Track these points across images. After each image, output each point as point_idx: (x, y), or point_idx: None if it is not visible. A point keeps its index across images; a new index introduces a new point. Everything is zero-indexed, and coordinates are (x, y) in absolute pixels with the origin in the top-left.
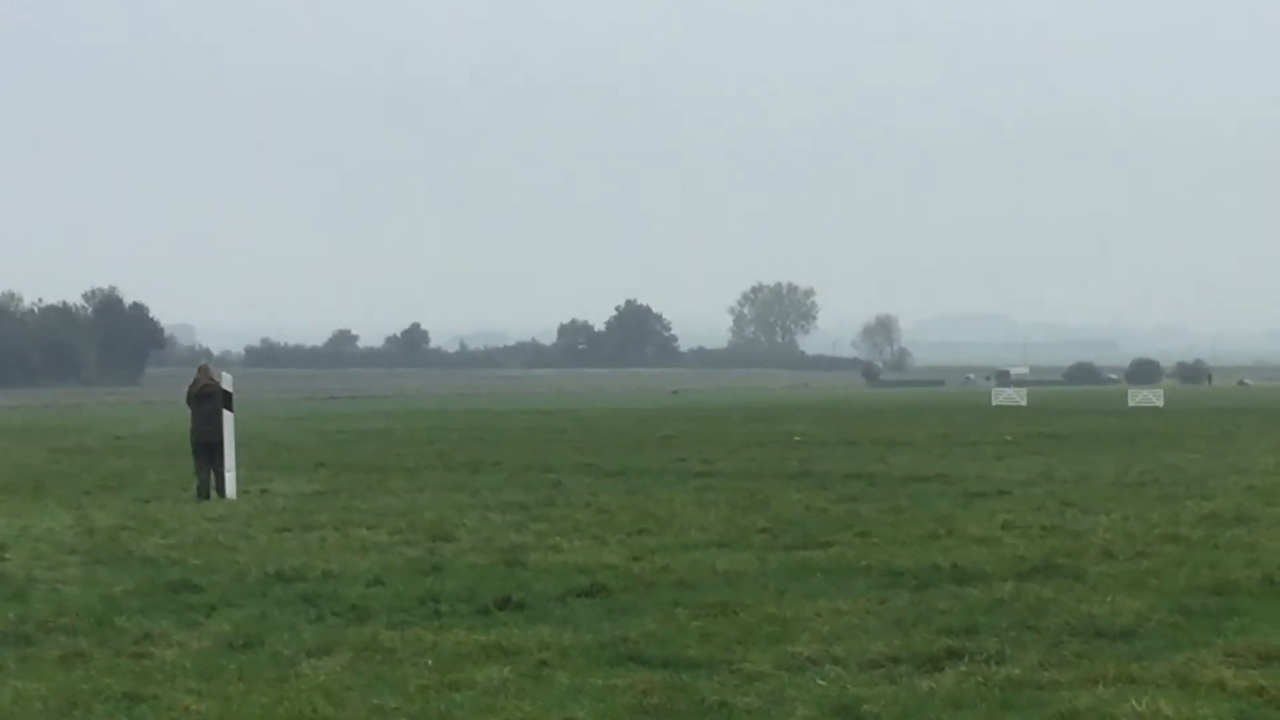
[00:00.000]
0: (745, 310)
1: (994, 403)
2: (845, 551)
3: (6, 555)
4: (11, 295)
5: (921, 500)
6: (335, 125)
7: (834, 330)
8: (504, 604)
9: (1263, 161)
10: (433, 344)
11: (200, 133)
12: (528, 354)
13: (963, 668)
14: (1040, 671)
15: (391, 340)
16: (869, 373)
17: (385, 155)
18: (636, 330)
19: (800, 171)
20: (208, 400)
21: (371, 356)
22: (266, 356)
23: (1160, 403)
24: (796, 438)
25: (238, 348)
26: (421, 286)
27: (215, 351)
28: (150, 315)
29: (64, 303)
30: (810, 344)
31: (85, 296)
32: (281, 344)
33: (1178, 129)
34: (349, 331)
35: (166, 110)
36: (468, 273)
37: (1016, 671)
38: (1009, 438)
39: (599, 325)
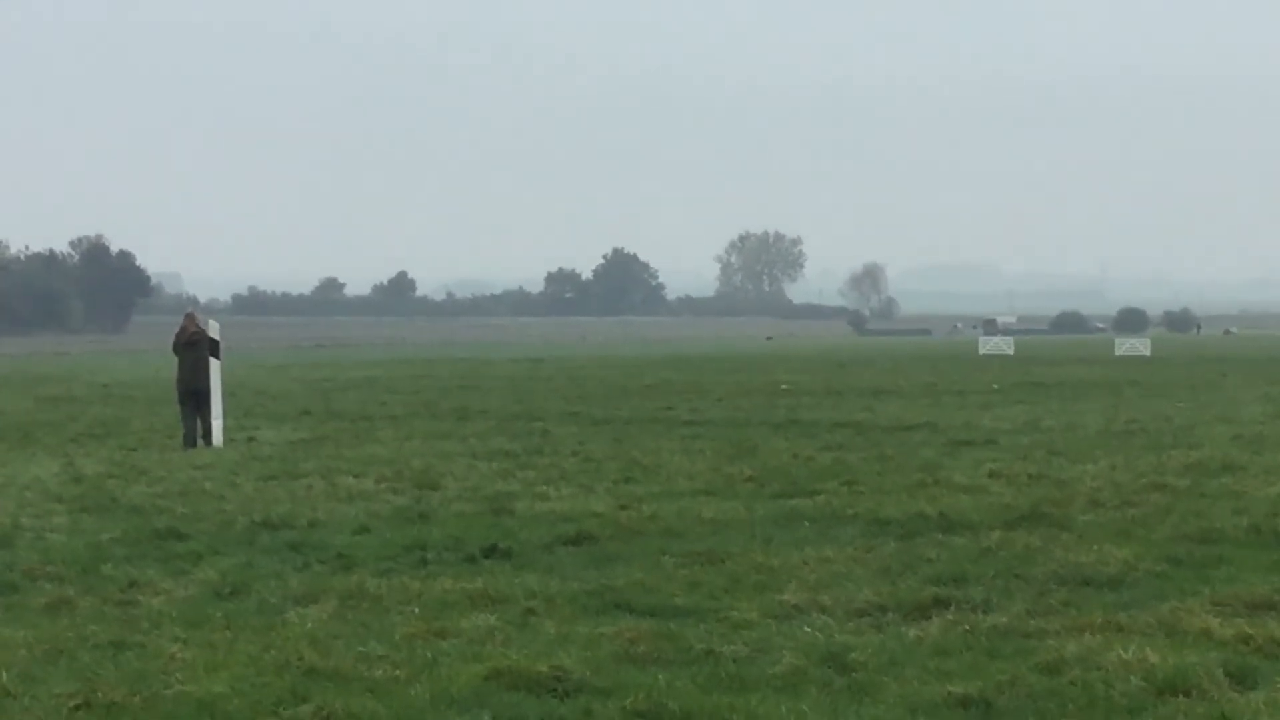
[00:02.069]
0: (732, 259)
1: (981, 351)
2: (832, 500)
3: None
4: None
5: (908, 449)
6: (322, 74)
7: (821, 279)
8: (490, 552)
9: (1250, 112)
10: (420, 292)
11: (188, 81)
12: (515, 302)
13: (949, 616)
14: (1027, 620)
15: (378, 289)
16: (856, 321)
17: (372, 104)
18: (624, 279)
19: (788, 121)
20: (195, 348)
21: (358, 305)
22: (253, 305)
23: (1147, 352)
24: (784, 386)
25: (225, 296)
26: (409, 235)
27: (202, 300)
28: (137, 263)
29: (51, 250)
30: (797, 293)
31: (72, 244)
32: (268, 292)
33: (1163, 80)
34: (336, 280)
35: (154, 58)
36: (455, 221)
37: (1003, 620)
38: (996, 386)
39: (586, 274)
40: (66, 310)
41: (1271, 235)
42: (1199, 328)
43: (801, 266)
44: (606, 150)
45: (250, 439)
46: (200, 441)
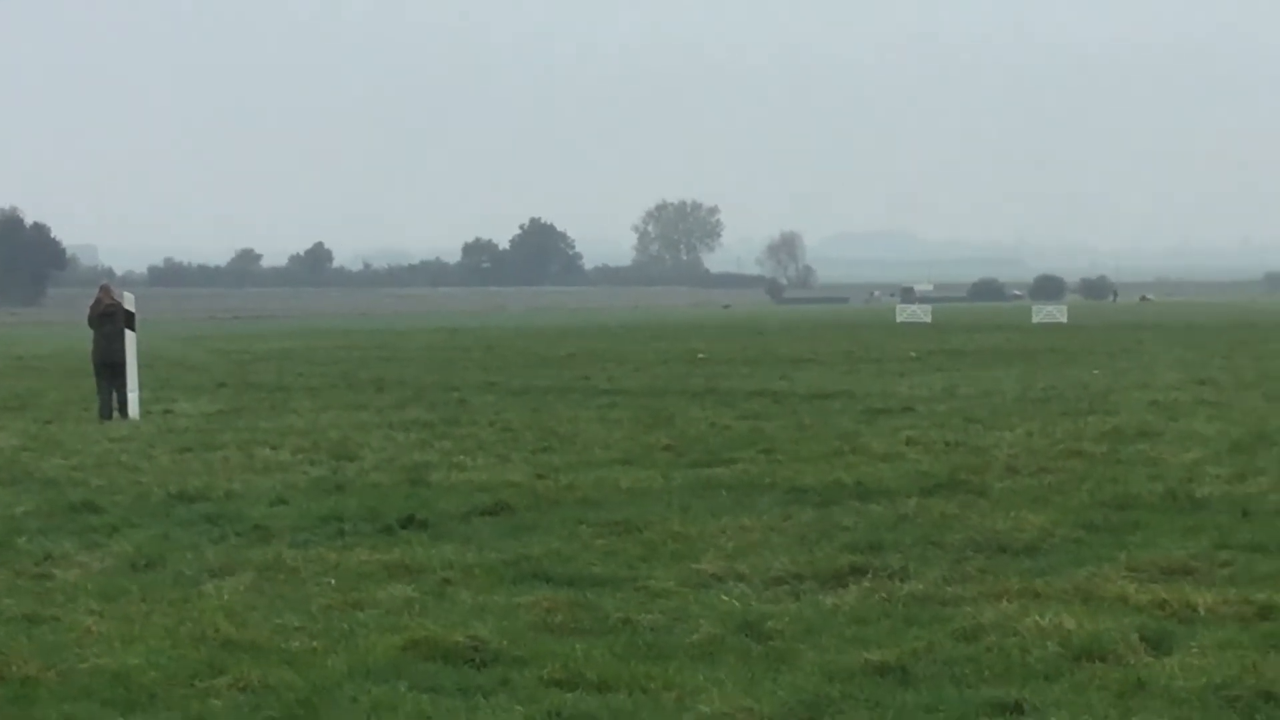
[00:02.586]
0: (650, 228)
1: (899, 319)
2: (749, 469)
3: None
4: None
5: (826, 417)
6: (236, 43)
7: (739, 248)
8: (407, 522)
9: (1169, 81)
10: (336, 263)
11: (101, 53)
12: (432, 273)
13: (866, 584)
14: (944, 587)
15: (295, 260)
16: (774, 290)
17: (287, 73)
18: (541, 249)
19: (705, 90)
20: (110, 320)
21: (275, 276)
22: (169, 276)
23: (1064, 319)
24: (701, 355)
25: (140, 268)
26: (325, 205)
27: (118, 272)
28: (52, 235)
29: None
30: (715, 262)
31: None
32: (184, 264)
33: (1081, 47)
34: (252, 251)
35: (66, 28)
36: (372, 192)
37: (920, 587)
38: (913, 354)
39: (504, 244)
40: None
41: (1188, 204)
42: (1115, 295)
43: (719, 235)
44: (523, 120)
45: (166, 411)
46: (116, 414)
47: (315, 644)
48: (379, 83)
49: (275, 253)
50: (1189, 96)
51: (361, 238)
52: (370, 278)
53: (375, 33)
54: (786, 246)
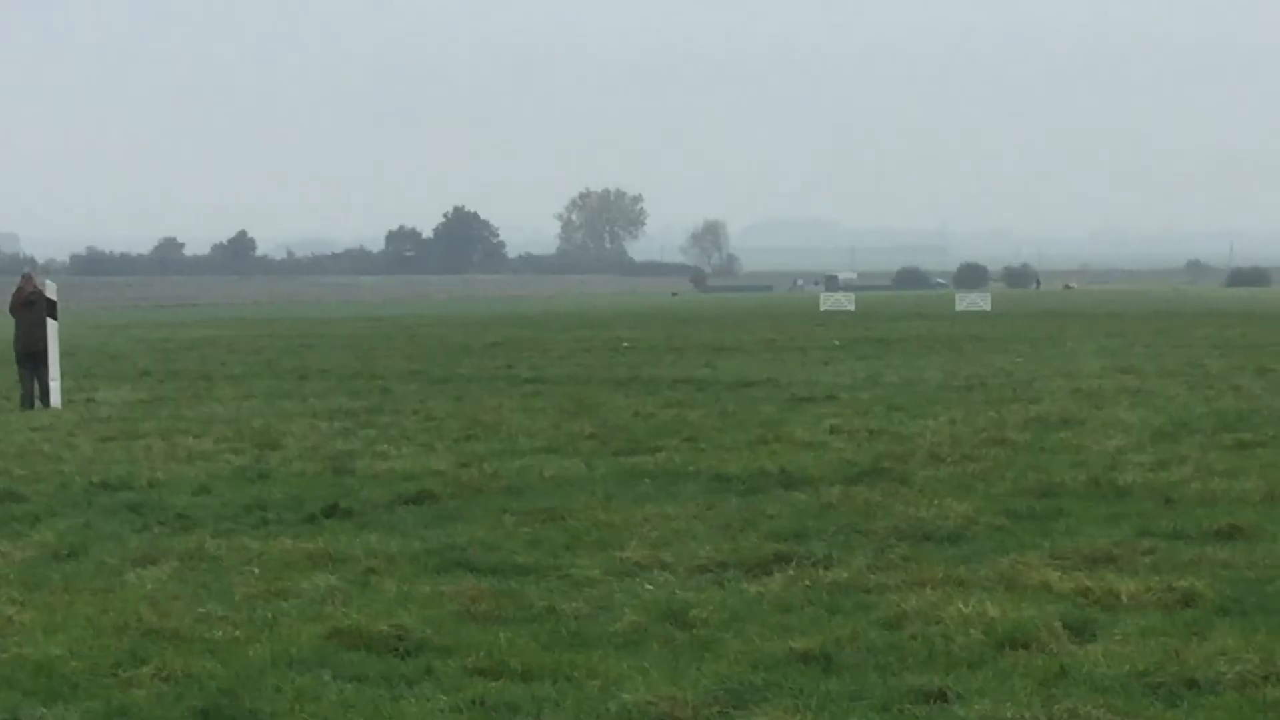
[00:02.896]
0: (574, 216)
1: (822, 307)
2: (673, 457)
3: None
4: None
5: (749, 405)
6: (158, 28)
7: (663, 236)
8: (331, 511)
9: (1088, 66)
10: (260, 251)
11: (20, 39)
12: (355, 261)
13: (791, 572)
14: (868, 575)
15: (218, 248)
16: (697, 278)
17: (210, 61)
18: (465, 237)
19: (629, 78)
20: (32, 309)
21: (198, 264)
22: (92, 265)
23: (987, 306)
24: (625, 344)
25: (63, 256)
26: (249, 194)
27: (40, 260)
28: None
29: None
30: (639, 250)
31: None
32: (107, 253)
33: (998, 34)
34: (175, 239)
35: None
36: (295, 179)
37: (844, 575)
38: (837, 342)
39: (427, 232)
40: None
41: (1110, 190)
42: (1038, 282)
43: (643, 224)
44: (448, 107)
45: (89, 400)
46: (38, 403)
47: (238, 633)
48: (301, 71)
49: (198, 241)
50: (1109, 83)
51: (285, 226)
52: (293, 266)
53: (297, 21)
54: (710, 235)
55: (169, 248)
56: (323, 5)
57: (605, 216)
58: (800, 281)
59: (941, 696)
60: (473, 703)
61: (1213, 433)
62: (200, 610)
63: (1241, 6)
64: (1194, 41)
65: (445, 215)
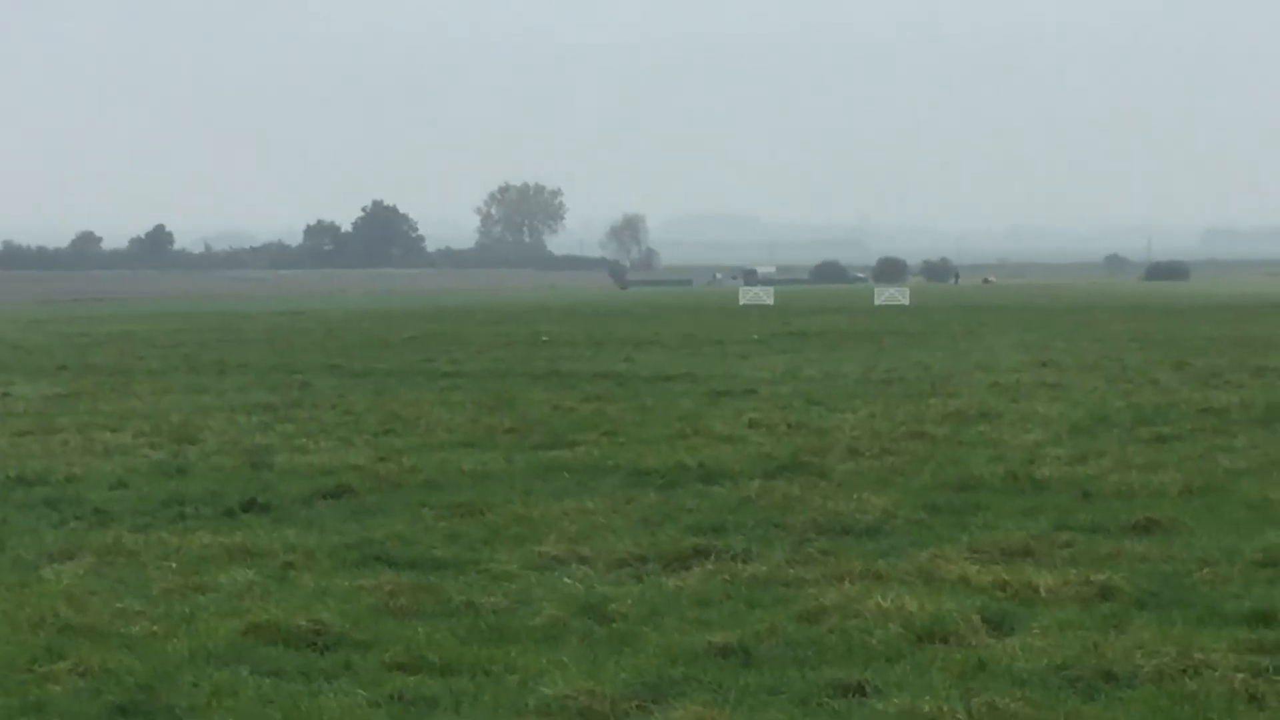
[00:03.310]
0: (492, 210)
1: (741, 302)
2: (592, 451)
3: None
4: None
5: (668, 399)
6: (74, 22)
7: (581, 230)
8: (249, 506)
9: (1005, 62)
10: (178, 245)
11: None
12: (273, 255)
13: (710, 566)
14: (786, 569)
15: (136, 242)
16: (616, 273)
17: (126, 54)
18: (383, 231)
19: (547, 72)
20: None
21: (115, 258)
22: (7, 259)
23: (906, 301)
24: (544, 337)
25: None
26: (166, 187)
27: None
28: None
29: None
30: (558, 244)
31: None
32: (22, 246)
33: (916, 31)
34: (92, 233)
35: None
36: (213, 173)
37: (763, 569)
38: (756, 336)
39: (346, 226)
40: None
41: (1028, 184)
42: (957, 277)
43: (562, 218)
44: (366, 100)
45: (4, 394)
46: None
47: (156, 628)
48: (220, 64)
49: (115, 235)
50: (1027, 79)
51: (203, 220)
52: (211, 260)
53: (216, 14)
54: (629, 229)
55: (86, 241)
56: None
57: (524, 210)
58: (719, 276)
59: (860, 690)
60: (391, 697)
61: (1131, 427)
62: (118, 605)
63: (1158, 4)
64: (1110, 38)
65: (364, 209)
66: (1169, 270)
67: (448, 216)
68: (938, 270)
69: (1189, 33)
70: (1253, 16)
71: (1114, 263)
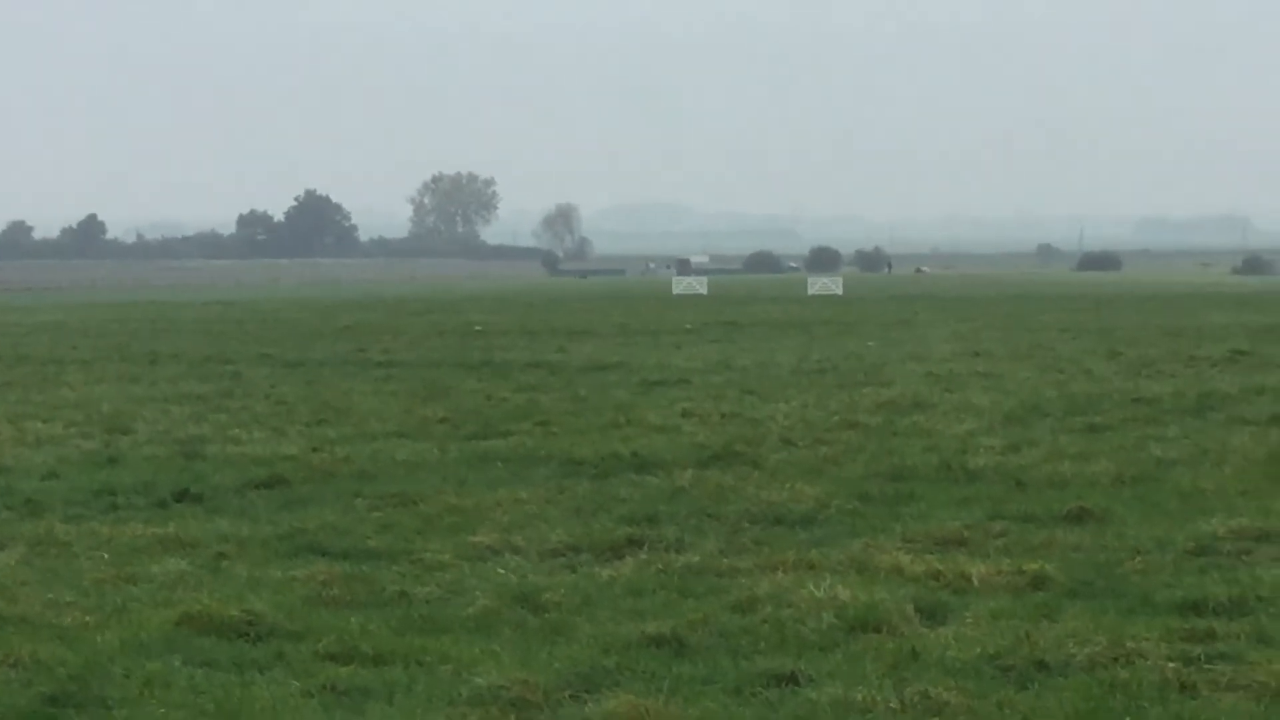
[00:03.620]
0: (426, 200)
1: (675, 291)
2: (525, 441)
3: None
4: None
5: (601, 389)
6: (3, 11)
7: (514, 220)
8: (182, 496)
9: (937, 51)
10: (110, 235)
11: None
12: (206, 245)
13: (643, 556)
14: (720, 559)
15: (67, 232)
16: (549, 262)
17: (56, 41)
18: (316, 221)
19: (480, 62)
20: None
21: (47, 248)
22: None
23: (839, 290)
24: (478, 327)
25: None
26: (99, 177)
27: None
28: None
29: None
30: (491, 234)
31: None
32: None
33: (850, 20)
34: (24, 223)
35: None
36: (146, 162)
37: (696, 559)
38: (689, 326)
39: (278, 216)
40: None
41: (961, 175)
42: (890, 266)
43: (495, 208)
44: (298, 90)
45: None
46: None
47: (88, 619)
48: (153, 53)
49: (47, 224)
50: (960, 69)
51: (136, 209)
52: (144, 249)
53: (147, 2)
54: (563, 218)
55: (17, 231)
56: None
57: (457, 200)
58: (653, 265)
59: (793, 679)
60: (324, 687)
61: (1063, 416)
62: (49, 596)
63: None
64: (1043, 30)
65: (297, 199)
66: (1101, 260)
67: (381, 206)
68: (871, 260)
69: (1122, 25)
70: (1181, 8)
71: (1047, 253)
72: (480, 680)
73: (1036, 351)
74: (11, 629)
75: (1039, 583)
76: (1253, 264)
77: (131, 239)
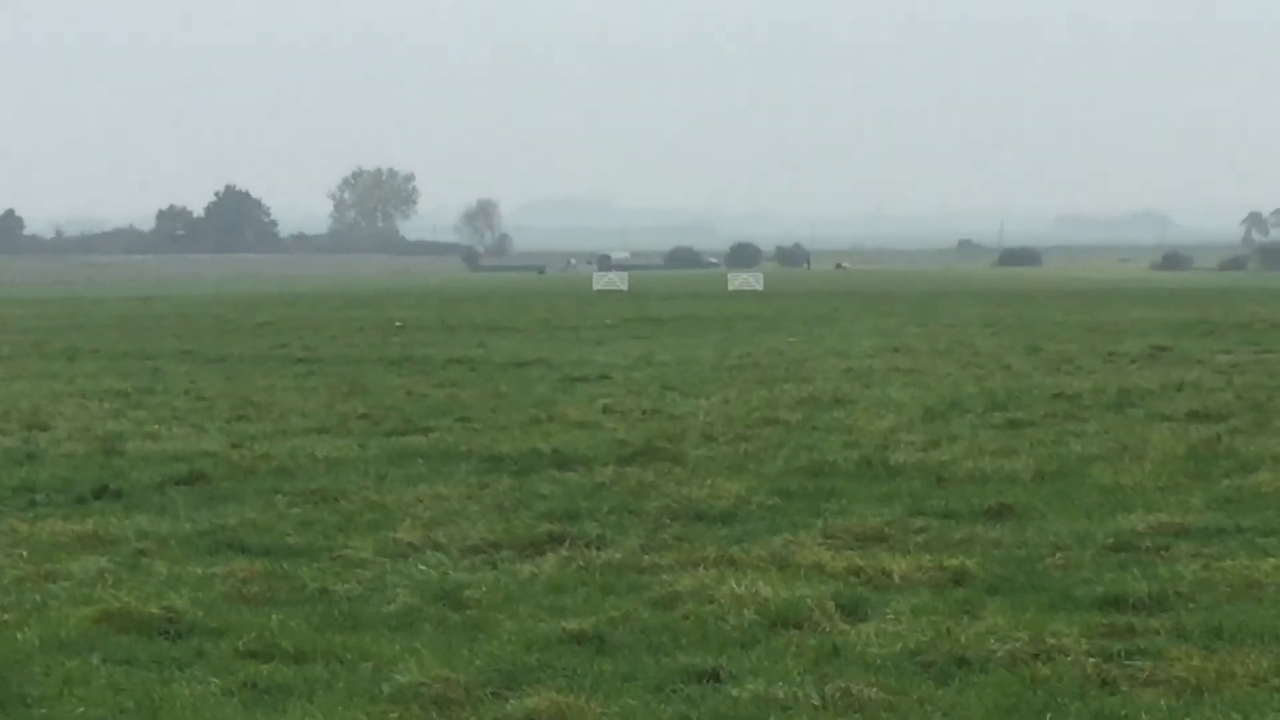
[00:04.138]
0: (346, 195)
1: (595, 287)
2: (446, 437)
3: None
4: None
5: (522, 385)
6: None
7: (435, 216)
8: (101, 493)
9: (853, 48)
10: (28, 230)
11: None
12: (126, 240)
13: (564, 552)
14: (641, 555)
15: None
16: (470, 258)
17: None
18: (236, 216)
19: (398, 55)
20: None
21: None
22: None
23: (760, 286)
24: (398, 323)
25: None
26: (16, 172)
27: None
28: None
29: None
30: (411, 229)
31: None
32: None
33: (764, 14)
34: None
35: None
36: (64, 156)
37: (617, 555)
38: (610, 322)
39: (198, 211)
40: None
41: (881, 170)
42: (808, 262)
43: (415, 203)
44: (218, 84)
45: None
46: None
47: (6, 617)
48: (71, 46)
49: None
50: (876, 64)
51: (54, 204)
52: (63, 245)
53: None
54: (483, 214)
55: None
56: None
57: (377, 196)
58: (573, 261)
59: (714, 676)
60: (244, 685)
61: (983, 412)
62: None
63: None
64: (960, 27)
65: (216, 194)
66: (1021, 256)
67: (301, 201)
68: (791, 256)
69: (1040, 20)
70: (1100, 7)
71: (967, 248)
72: (401, 678)
73: (956, 347)
74: None
75: (960, 579)
76: (1172, 260)
77: (50, 235)
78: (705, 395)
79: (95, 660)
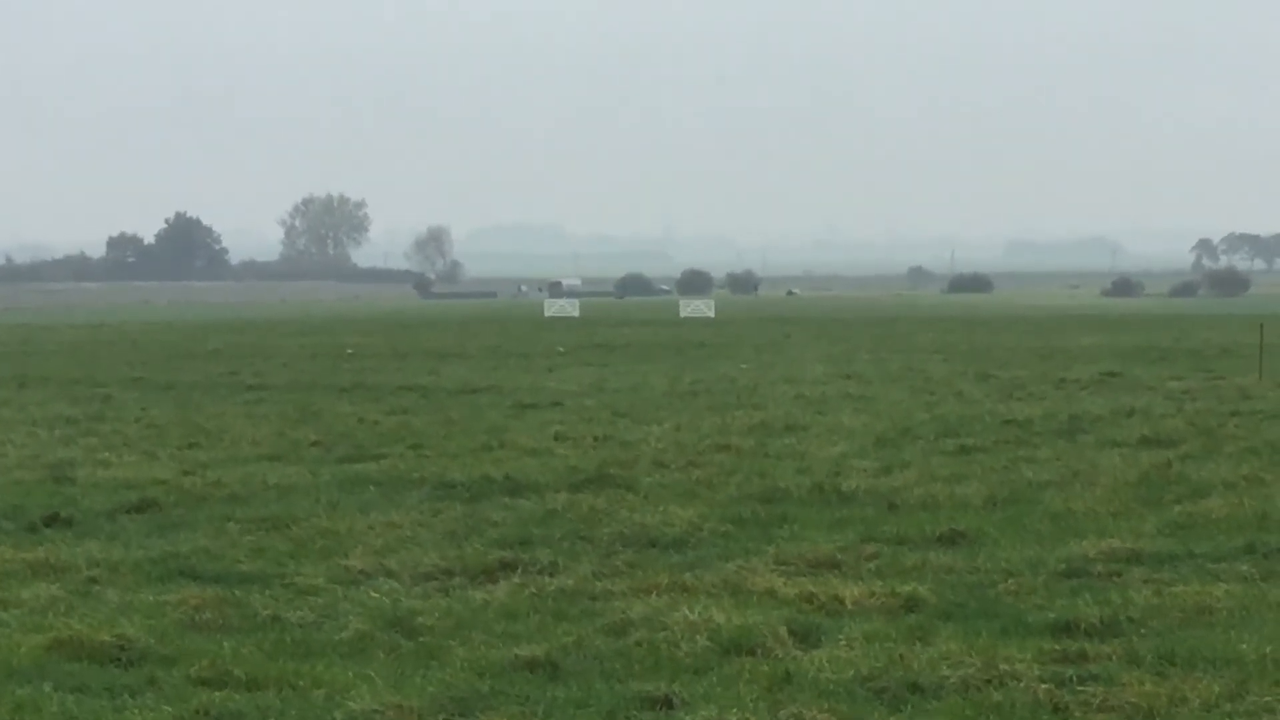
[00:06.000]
0: (296, 222)
1: (547, 314)
2: (397, 464)
3: None
4: None
5: (474, 412)
6: None
7: (386, 242)
8: (52, 520)
9: (803, 73)
10: None
11: None
12: (76, 267)
13: (516, 579)
14: (593, 582)
15: None
16: (421, 285)
17: None
18: (186, 243)
19: (350, 84)
20: None
21: None
22: None
23: (711, 313)
24: (349, 350)
25: None
26: None
27: None
28: None
29: None
30: (362, 256)
31: None
32: None
33: (715, 37)
34: None
35: None
36: (13, 185)
37: (570, 582)
38: (561, 349)
39: (149, 238)
40: None
41: (832, 197)
42: (756, 288)
43: (366, 230)
44: (168, 111)
45: None
46: None
47: None
48: (20, 71)
49: None
50: (828, 91)
51: (3, 232)
52: (12, 272)
53: (13, 21)
54: (434, 241)
55: None
56: (33, 3)
57: (328, 223)
58: (524, 288)
59: (667, 703)
60: (197, 712)
61: (935, 438)
62: None
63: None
64: (907, 51)
65: (166, 221)
66: (972, 282)
67: (251, 228)
68: (741, 282)
69: (989, 48)
70: (1047, 34)
71: (918, 275)
72: (354, 705)
73: (908, 374)
74: None
75: (912, 605)
76: (1122, 286)
77: (0, 262)
78: (657, 422)
79: (47, 688)
